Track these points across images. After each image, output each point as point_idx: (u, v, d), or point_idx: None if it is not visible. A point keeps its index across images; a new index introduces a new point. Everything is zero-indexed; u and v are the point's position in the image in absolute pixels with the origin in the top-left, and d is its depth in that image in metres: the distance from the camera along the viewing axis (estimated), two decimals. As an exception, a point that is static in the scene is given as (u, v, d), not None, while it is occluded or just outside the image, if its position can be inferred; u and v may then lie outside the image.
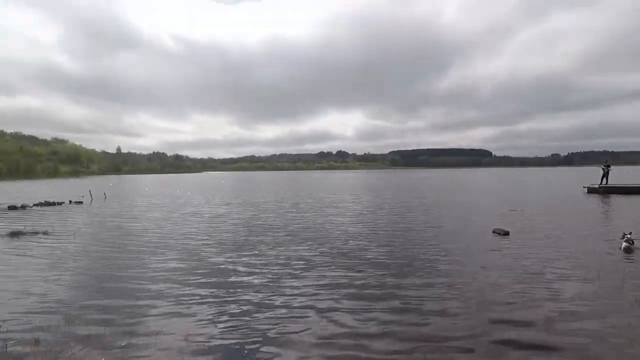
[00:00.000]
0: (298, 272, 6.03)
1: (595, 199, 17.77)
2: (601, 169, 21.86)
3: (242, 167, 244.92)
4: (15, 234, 9.79)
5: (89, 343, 3.61)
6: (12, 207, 16.77)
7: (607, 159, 23.54)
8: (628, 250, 6.82)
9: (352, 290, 5.08)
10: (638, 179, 31.28)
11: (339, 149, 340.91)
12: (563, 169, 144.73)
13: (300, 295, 4.94)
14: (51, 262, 6.84)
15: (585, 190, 21.44)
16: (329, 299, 4.76)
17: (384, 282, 5.44)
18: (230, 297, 4.91)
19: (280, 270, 6.12)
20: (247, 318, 4.20)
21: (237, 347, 3.53)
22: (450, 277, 5.59)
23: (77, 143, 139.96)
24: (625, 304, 4.43)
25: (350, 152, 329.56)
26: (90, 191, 25.01)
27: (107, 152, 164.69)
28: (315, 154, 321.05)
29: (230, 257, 7.07)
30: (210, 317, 4.25)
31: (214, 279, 5.70)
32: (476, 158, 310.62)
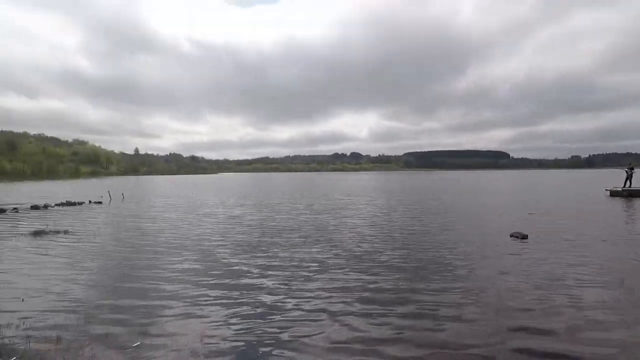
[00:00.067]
0: (311, 274, 6.01)
1: (618, 202, 17.14)
2: (624, 172, 21.12)
3: (257, 168, 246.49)
4: (37, 233, 10.12)
5: (106, 342, 3.68)
6: (35, 207, 17.35)
7: (630, 161, 22.70)
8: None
9: (366, 294, 5.03)
10: (664, 181, 29.96)
11: (353, 150, 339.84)
12: (584, 171, 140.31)
13: (314, 298, 4.92)
14: (71, 262, 7.03)
15: (608, 193, 20.71)
16: (342, 302, 4.72)
17: (399, 286, 5.36)
18: (243, 298, 4.93)
19: (294, 272, 6.12)
20: (261, 320, 4.20)
21: (250, 349, 3.53)
22: (466, 282, 5.46)
23: (97, 144, 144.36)
24: (653, 313, 4.23)
25: (364, 154, 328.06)
26: (109, 191, 25.69)
27: (125, 153, 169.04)
28: (329, 155, 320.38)
29: (244, 259, 7.12)
30: (223, 318, 4.27)
31: (227, 280, 5.74)
32: (493, 160, 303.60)
